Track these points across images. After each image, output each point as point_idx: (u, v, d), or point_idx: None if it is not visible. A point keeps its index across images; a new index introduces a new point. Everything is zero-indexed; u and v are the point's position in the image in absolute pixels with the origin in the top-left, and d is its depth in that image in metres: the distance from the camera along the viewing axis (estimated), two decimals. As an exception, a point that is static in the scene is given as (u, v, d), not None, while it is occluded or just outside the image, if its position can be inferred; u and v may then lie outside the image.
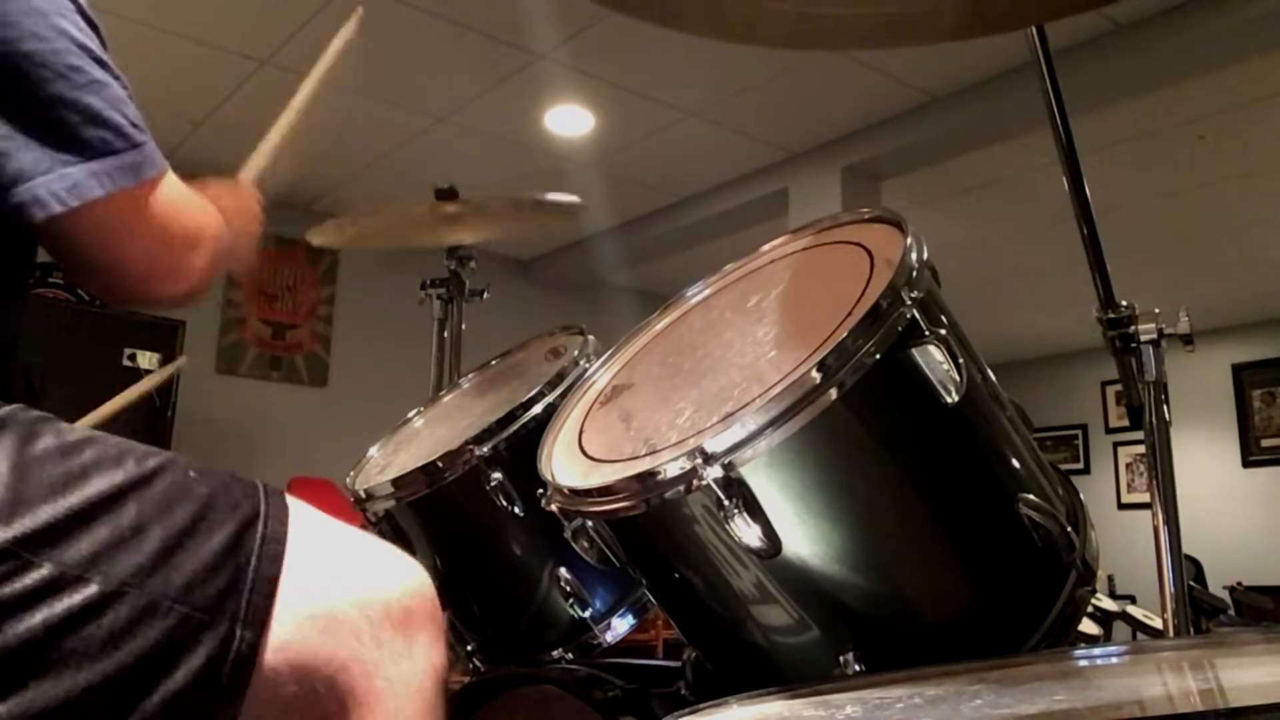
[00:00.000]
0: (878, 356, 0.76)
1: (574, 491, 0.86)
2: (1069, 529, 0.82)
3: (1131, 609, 2.41)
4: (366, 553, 0.68)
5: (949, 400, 0.78)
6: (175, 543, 0.58)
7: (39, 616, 0.52)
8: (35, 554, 0.53)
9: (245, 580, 0.59)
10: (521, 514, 1.11)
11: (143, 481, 0.59)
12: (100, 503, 0.56)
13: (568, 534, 0.88)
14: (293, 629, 0.60)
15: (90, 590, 0.54)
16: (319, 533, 0.65)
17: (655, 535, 0.86)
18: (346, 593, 0.63)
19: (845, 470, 0.79)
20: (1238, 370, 6.71)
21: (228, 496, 0.62)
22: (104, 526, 0.56)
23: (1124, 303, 1.03)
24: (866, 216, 0.97)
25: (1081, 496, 0.94)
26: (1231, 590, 4.81)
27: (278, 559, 0.61)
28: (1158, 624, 1.15)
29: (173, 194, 0.74)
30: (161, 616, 0.55)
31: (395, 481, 1.17)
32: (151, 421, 3.83)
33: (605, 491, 0.82)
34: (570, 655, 1.15)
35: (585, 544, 0.88)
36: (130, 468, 0.59)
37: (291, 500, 0.65)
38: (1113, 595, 3.04)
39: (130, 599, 0.55)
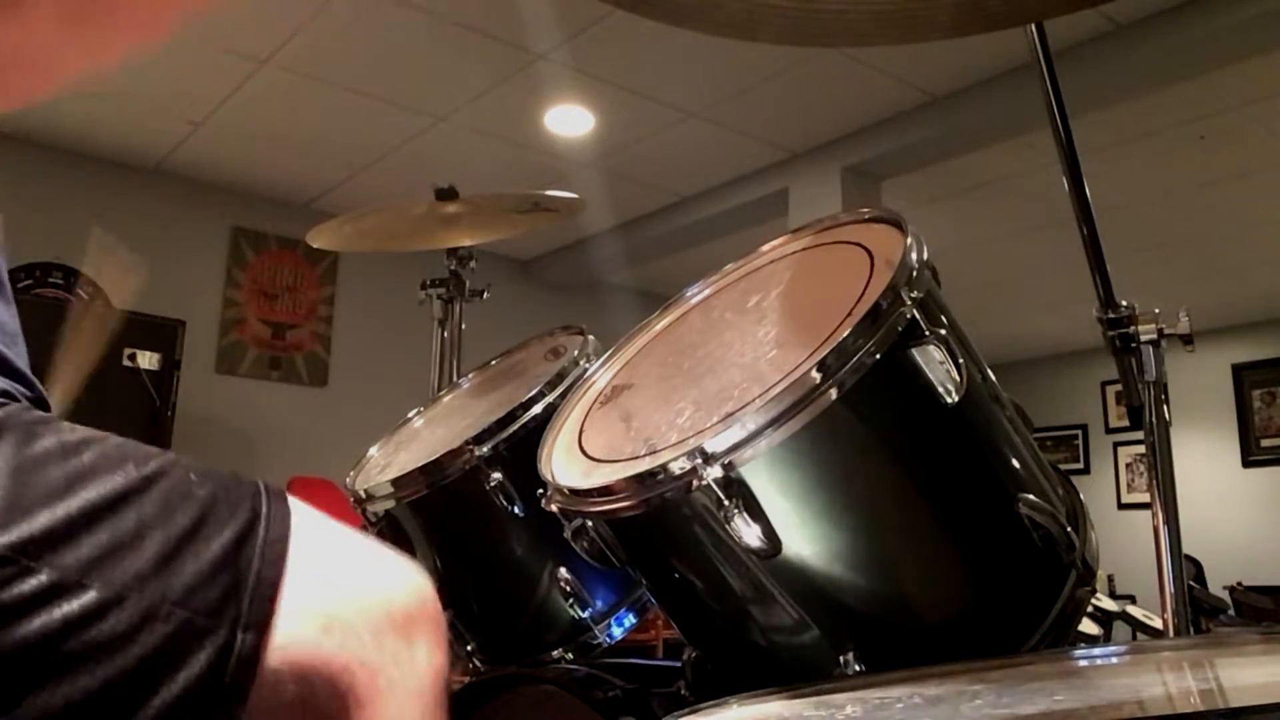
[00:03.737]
0: (878, 356, 0.76)
1: (574, 491, 0.86)
2: (1069, 529, 0.82)
3: (1131, 609, 2.42)
4: (368, 556, 0.68)
5: (949, 400, 0.78)
6: (175, 547, 0.58)
7: (37, 623, 0.52)
8: (34, 560, 0.53)
9: (246, 583, 0.59)
10: (521, 514, 1.11)
11: (143, 485, 0.59)
12: (100, 507, 0.56)
13: (568, 534, 0.88)
14: (294, 631, 0.60)
15: (89, 596, 0.54)
16: (321, 535, 0.65)
17: (655, 535, 0.86)
18: (348, 595, 0.63)
19: (845, 470, 0.79)
20: (1238, 370, 6.71)
21: (228, 499, 0.62)
22: (104, 531, 0.56)
23: (1124, 303, 1.03)
24: (866, 216, 0.97)
25: (1081, 496, 0.94)
26: (1231, 590, 4.81)
27: (279, 561, 0.61)
28: (1158, 624, 1.15)
29: None
30: (162, 621, 0.55)
31: (395, 481, 1.17)
32: (151, 421, 3.83)
33: (605, 491, 0.82)
34: (570, 655, 1.15)
35: (585, 544, 0.88)
36: (130, 471, 0.59)
37: (293, 501, 0.65)
38: (1113, 595, 3.04)
39: (130, 604, 0.55)
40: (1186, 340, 1.01)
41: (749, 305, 0.98)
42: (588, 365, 1.15)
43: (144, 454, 0.61)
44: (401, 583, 0.67)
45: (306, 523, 0.64)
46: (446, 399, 1.52)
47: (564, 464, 0.92)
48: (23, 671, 0.52)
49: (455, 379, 1.99)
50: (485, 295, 2.20)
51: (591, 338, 1.28)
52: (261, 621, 0.58)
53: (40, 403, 0.66)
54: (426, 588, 0.69)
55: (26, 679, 0.52)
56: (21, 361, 0.66)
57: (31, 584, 0.52)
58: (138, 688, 0.54)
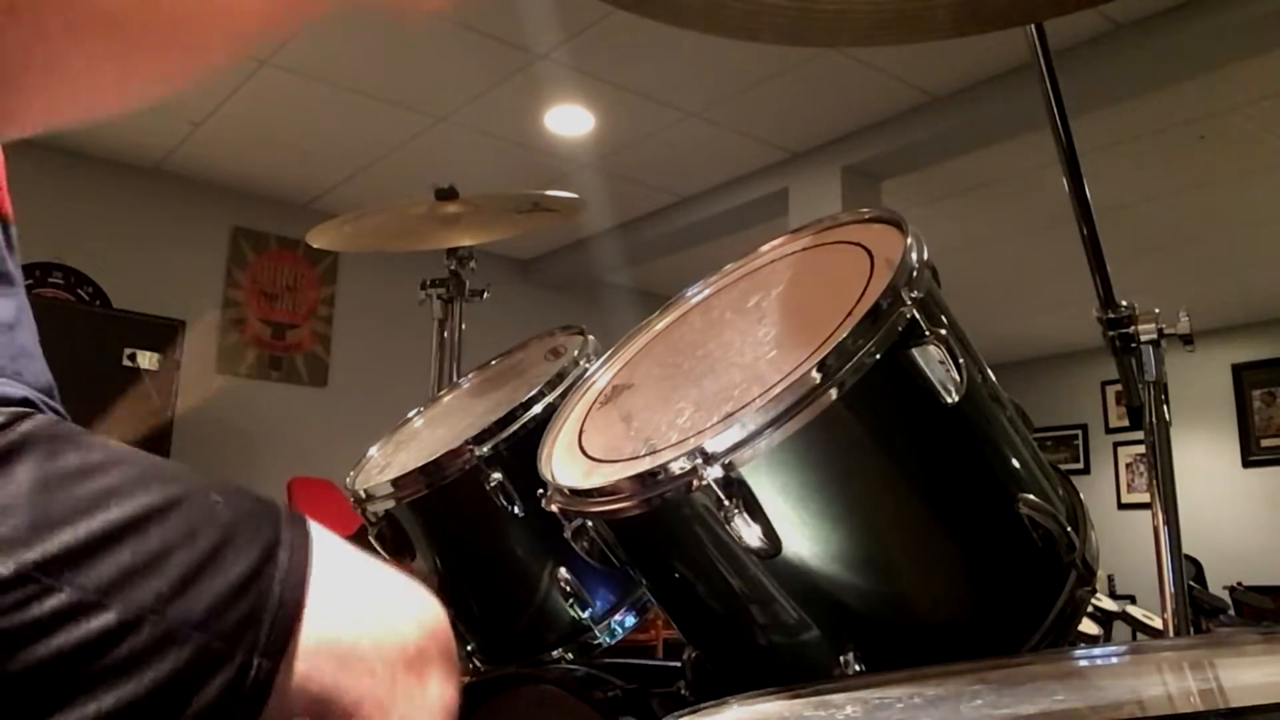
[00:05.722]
0: (878, 356, 0.76)
1: (574, 491, 0.86)
2: (1069, 529, 0.82)
3: (1131, 609, 2.42)
4: (385, 587, 0.68)
5: (949, 400, 0.77)
6: (197, 570, 0.57)
7: (55, 643, 0.52)
8: (55, 579, 0.52)
9: (266, 609, 0.58)
10: (521, 514, 1.11)
11: (167, 506, 0.58)
12: (123, 527, 0.56)
13: (568, 534, 0.88)
14: (310, 661, 0.59)
15: (108, 617, 0.53)
16: (339, 563, 0.65)
17: (655, 535, 0.86)
18: (365, 628, 0.63)
19: (845, 470, 0.79)
20: (1238, 370, 6.71)
21: (251, 523, 0.61)
22: (126, 552, 0.55)
23: (1124, 303, 1.03)
24: (866, 216, 0.97)
25: (1081, 496, 0.94)
26: (1231, 590, 4.81)
27: (299, 589, 0.60)
28: (1158, 624, 1.15)
29: None
30: (180, 645, 0.55)
31: (395, 481, 1.17)
32: (151, 421, 3.83)
33: (605, 492, 0.82)
34: (570, 655, 1.15)
35: (585, 544, 0.88)
36: (155, 491, 0.58)
37: (313, 526, 0.65)
38: (1113, 595, 3.04)
39: (149, 627, 0.54)
40: (1186, 340, 1.01)
41: (749, 305, 0.98)
42: (588, 365, 1.15)
43: (168, 474, 0.61)
44: (417, 616, 0.67)
45: (326, 550, 0.64)
46: (446, 399, 1.52)
47: (564, 464, 0.92)
48: (39, 692, 0.51)
49: (455, 379, 1.99)
50: (485, 295, 2.20)
51: (591, 338, 1.28)
52: (279, 648, 0.58)
53: (56, 411, 0.65)
54: (440, 619, 0.68)
55: (42, 700, 0.52)
56: (31, 369, 0.65)
57: (51, 603, 0.52)
58: (153, 711, 0.54)
